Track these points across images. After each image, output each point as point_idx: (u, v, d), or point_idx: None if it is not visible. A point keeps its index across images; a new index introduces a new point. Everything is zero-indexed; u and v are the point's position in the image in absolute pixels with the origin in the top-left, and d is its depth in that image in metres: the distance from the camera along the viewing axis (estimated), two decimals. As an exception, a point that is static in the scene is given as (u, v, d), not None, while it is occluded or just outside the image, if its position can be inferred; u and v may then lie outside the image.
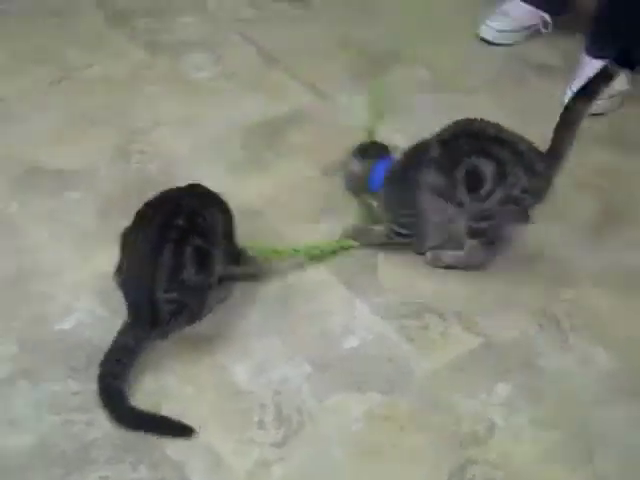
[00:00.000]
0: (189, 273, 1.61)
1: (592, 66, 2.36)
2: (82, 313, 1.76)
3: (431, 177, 1.80)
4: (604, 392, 1.65)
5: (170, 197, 1.72)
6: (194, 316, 1.69)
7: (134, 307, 1.64)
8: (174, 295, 1.61)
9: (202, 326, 1.73)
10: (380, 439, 1.57)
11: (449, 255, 1.90)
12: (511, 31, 2.67)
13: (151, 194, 1.95)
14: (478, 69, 2.56)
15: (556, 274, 1.90)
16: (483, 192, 1.78)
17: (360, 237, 1.94)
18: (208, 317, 1.75)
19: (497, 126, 1.81)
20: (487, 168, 1.76)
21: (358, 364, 1.69)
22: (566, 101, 1.81)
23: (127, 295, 1.65)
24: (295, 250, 1.87)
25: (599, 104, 2.32)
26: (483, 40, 2.68)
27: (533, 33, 2.69)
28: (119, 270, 1.66)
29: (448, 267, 1.90)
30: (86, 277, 1.83)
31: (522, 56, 2.63)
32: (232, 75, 2.51)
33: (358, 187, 1.94)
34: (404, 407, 1.62)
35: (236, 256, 1.79)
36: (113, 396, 1.58)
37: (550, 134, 1.81)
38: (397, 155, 1.90)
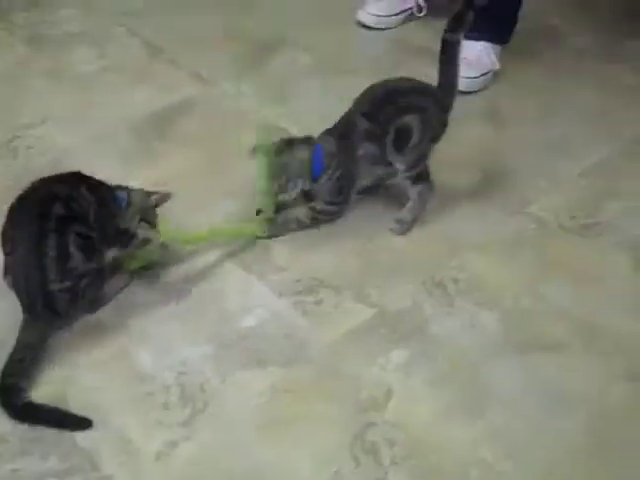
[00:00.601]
0: (77, 260, 1.63)
1: (467, 47, 2.49)
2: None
3: (369, 149, 1.92)
4: (491, 350, 1.75)
5: (40, 186, 1.69)
6: (92, 302, 1.71)
7: (28, 303, 1.64)
8: (67, 284, 1.63)
9: (102, 314, 1.76)
10: (284, 411, 1.63)
11: (407, 213, 2.01)
12: (387, 15, 2.77)
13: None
14: (359, 53, 2.65)
15: (442, 244, 2.00)
16: (412, 144, 1.91)
17: (279, 230, 1.99)
18: (108, 306, 1.78)
19: (407, 79, 1.96)
20: (413, 122, 1.90)
21: (257, 341, 1.74)
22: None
23: (19, 293, 1.65)
24: (201, 236, 1.91)
25: (474, 82, 2.44)
26: (362, 25, 2.77)
27: (409, 17, 2.80)
28: (6, 270, 1.66)
29: (413, 223, 2.01)
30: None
31: (401, 39, 2.73)
32: (118, 68, 2.52)
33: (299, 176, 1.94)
34: (305, 379, 1.68)
35: (126, 237, 1.79)
36: (8, 394, 1.58)
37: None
38: (325, 138, 1.95)
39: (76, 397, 1.61)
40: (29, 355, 1.62)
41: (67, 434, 1.55)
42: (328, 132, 1.97)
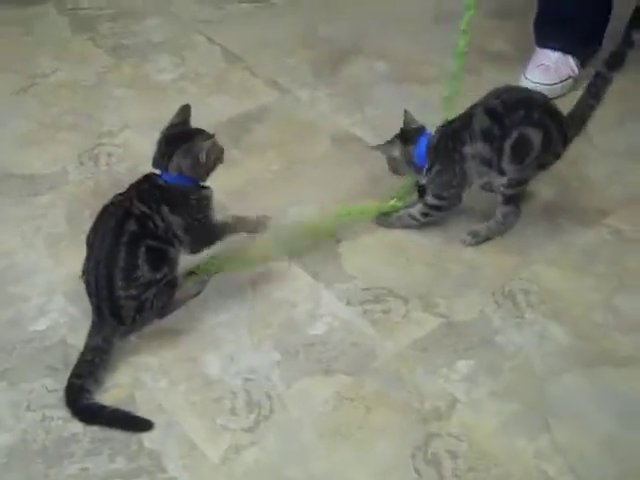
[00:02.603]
0: (143, 271, 1.68)
1: (542, 54, 2.45)
2: (56, 314, 1.83)
3: (479, 147, 1.88)
4: (559, 364, 1.73)
5: (122, 200, 1.73)
6: (161, 310, 1.77)
7: (97, 307, 1.71)
8: (132, 292, 1.69)
9: (172, 320, 1.81)
10: (347, 420, 1.63)
11: (485, 229, 1.99)
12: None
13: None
14: (435, 61, 2.63)
15: (512, 256, 1.97)
16: (528, 160, 1.87)
17: (394, 223, 2.03)
18: (178, 311, 1.82)
19: (543, 95, 1.93)
20: (536, 137, 1.85)
21: (324, 349, 1.76)
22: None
23: (90, 296, 1.72)
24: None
25: (552, 88, 2.40)
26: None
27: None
28: (84, 271, 1.72)
29: (486, 240, 2.00)
30: (58, 279, 1.89)
31: (478, 46, 2.70)
32: (197, 76, 2.57)
33: (400, 169, 2.01)
34: (369, 388, 1.69)
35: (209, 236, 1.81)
36: (73, 393, 1.64)
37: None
38: (435, 132, 1.97)
39: (144, 400, 1.66)
40: (97, 357, 1.67)
41: (135, 436, 1.60)
42: (443, 124, 1.96)
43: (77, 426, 1.61)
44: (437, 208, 1.98)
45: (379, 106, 2.44)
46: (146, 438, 1.60)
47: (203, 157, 1.76)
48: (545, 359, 1.74)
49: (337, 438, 1.60)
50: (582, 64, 2.51)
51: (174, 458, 1.57)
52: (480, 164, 1.89)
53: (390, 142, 1.99)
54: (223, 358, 1.74)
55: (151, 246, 1.70)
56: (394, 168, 2.01)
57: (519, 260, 1.96)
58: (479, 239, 1.99)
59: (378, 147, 2.01)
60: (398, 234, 2.02)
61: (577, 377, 1.70)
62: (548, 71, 2.42)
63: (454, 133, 1.91)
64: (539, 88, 2.26)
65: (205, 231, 1.79)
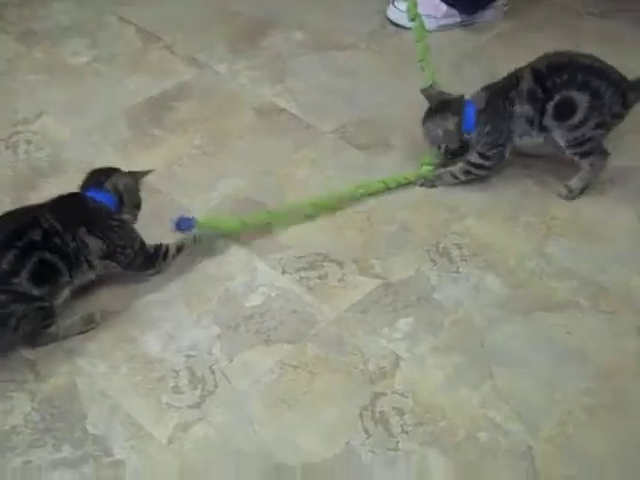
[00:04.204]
0: (21, 278, 1.58)
1: None
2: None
3: (524, 108, 1.92)
4: (497, 314, 1.75)
5: (34, 210, 1.67)
6: (29, 337, 1.67)
7: None
8: (2, 297, 1.58)
9: (106, 302, 1.77)
10: (292, 387, 1.63)
11: (578, 181, 2.00)
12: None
13: (43, 182, 1.97)
14: (353, 28, 2.62)
15: (443, 212, 1.99)
16: (574, 121, 1.90)
17: (435, 181, 2.05)
18: (113, 292, 1.79)
19: (590, 56, 1.93)
20: (581, 101, 1.88)
21: (263, 320, 1.75)
22: None
23: None
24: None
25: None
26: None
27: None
28: None
29: (583, 190, 2.01)
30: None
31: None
32: (112, 57, 2.51)
33: (453, 140, 2.02)
34: (312, 354, 1.68)
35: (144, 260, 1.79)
36: None
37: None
38: (478, 94, 1.99)
39: (85, 385, 1.63)
40: None
41: (79, 422, 1.57)
42: (486, 87, 1.99)
43: (17, 418, 1.57)
44: (481, 167, 2.01)
45: (299, 76, 2.43)
46: (90, 424, 1.57)
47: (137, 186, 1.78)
48: (483, 310, 1.76)
49: (283, 406, 1.60)
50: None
51: (120, 441, 1.54)
52: (524, 123, 1.94)
53: (442, 116, 2.00)
54: (162, 336, 1.72)
55: (45, 260, 1.61)
56: (442, 139, 2.02)
57: (450, 216, 1.98)
58: (575, 193, 2.01)
59: (430, 122, 2.01)
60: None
61: (515, 325, 1.73)
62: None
63: (503, 93, 1.95)
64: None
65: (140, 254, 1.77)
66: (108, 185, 1.75)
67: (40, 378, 1.64)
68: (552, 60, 1.93)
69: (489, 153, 1.99)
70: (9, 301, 1.59)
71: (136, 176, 1.80)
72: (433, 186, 2.05)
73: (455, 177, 2.04)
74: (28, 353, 1.68)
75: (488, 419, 1.56)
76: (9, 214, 1.67)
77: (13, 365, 1.66)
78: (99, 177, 1.77)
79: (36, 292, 1.61)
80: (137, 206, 1.80)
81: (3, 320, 1.60)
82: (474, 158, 2.00)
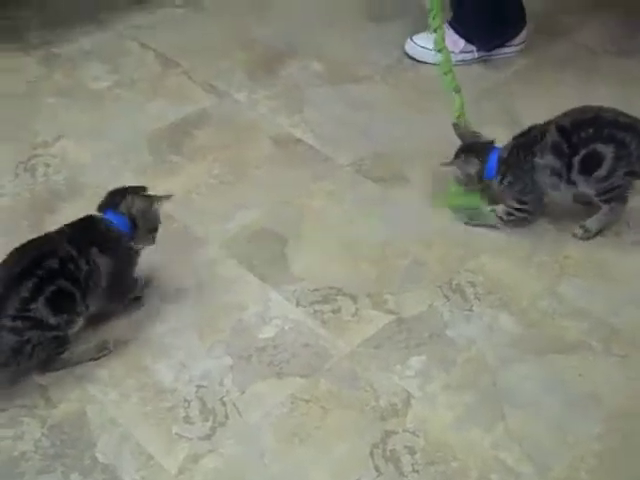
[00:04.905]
0: (39, 305, 1.59)
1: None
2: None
3: (547, 159, 1.92)
4: (510, 354, 1.75)
5: (50, 238, 1.69)
6: (42, 364, 1.68)
7: None
8: (17, 324, 1.59)
9: (118, 330, 1.78)
10: (304, 421, 1.63)
11: (595, 222, 2.01)
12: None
13: (61, 206, 1.98)
14: (371, 60, 2.64)
15: (458, 248, 1.99)
16: (601, 173, 1.90)
17: (474, 219, 2.06)
18: (126, 320, 1.80)
19: (614, 110, 1.93)
20: (607, 153, 1.89)
21: (276, 352, 1.75)
22: None
23: None
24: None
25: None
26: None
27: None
28: None
29: (598, 232, 2.01)
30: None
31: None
32: (132, 82, 2.53)
33: (473, 182, 2.03)
34: (324, 388, 1.68)
35: (125, 290, 1.80)
36: None
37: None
38: (507, 144, 2.00)
39: (95, 413, 1.63)
40: None
41: (88, 450, 1.57)
42: (515, 136, 2.00)
43: (27, 444, 1.57)
44: (520, 210, 2.01)
45: (316, 107, 2.44)
46: (99, 452, 1.57)
47: (157, 207, 1.78)
48: (496, 349, 1.75)
49: (295, 440, 1.60)
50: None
51: (130, 471, 1.54)
52: (550, 175, 1.94)
53: (465, 160, 2.00)
54: (174, 366, 1.72)
55: (63, 288, 1.62)
56: (462, 181, 2.04)
57: (464, 252, 1.98)
58: (591, 234, 2.01)
59: (453, 164, 2.02)
60: (342, 233, 2.03)
61: (528, 365, 1.72)
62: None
63: (527, 146, 1.96)
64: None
65: (125, 283, 1.78)
66: (122, 208, 1.76)
67: (51, 404, 1.64)
68: (577, 116, 1.93)
69: (525, 199, 1.99)
70: (26, 328, 1.59)
71: (152, 200, 1.79)
72: (476, 224, 2.05)
73: (500, 218, 2.03)
74: (40, 378, 1.69)
75: (499, 461, 1.55)
76: (30, 242, 1.68)
77: (25, 390, 1.67)
78: (115, 199, 1.78)
79: (53, 321, 1.62)
80: (152, 230, 1.80)
81: (19, 347, 1.60)
82: (513, 203, 2.01)
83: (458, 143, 2.03)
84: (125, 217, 1.76)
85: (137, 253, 1.79)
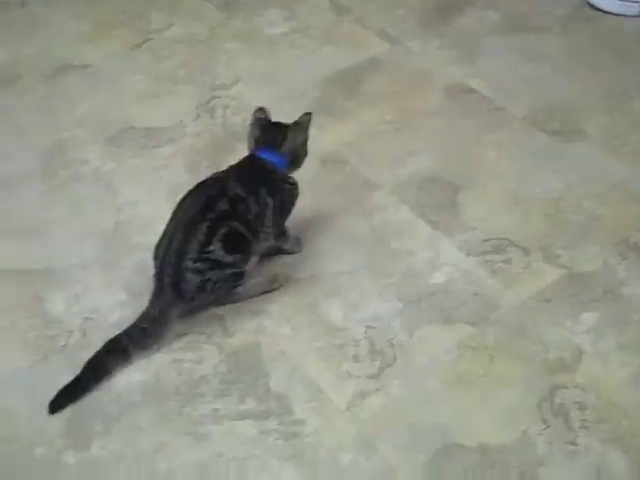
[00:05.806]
0: (216, 247, 1.66)
1: None
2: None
3: None
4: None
5: (220, 178, 1.75)
6: (219, 299, 1.75)
7: (159, 272, 1.69)
8: (198, 265, 1.66)
9: (290, 269, 1.83)
10: (471, 368, 1.64)
11: None
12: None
13: (238, 146, 2.05)
14: (546, 10, 2.56)
15: (636, 206, 1.93)
16: None
17: None
18: (300, 260, 1.85)
19: None
20: None
21: (445, 298, 1.76)
22: None
23: (156, 258, 1.70)
24: None
25: None
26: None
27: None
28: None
29: None
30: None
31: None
32: (306, 28, 2.57)
33: None
34: (492, 338, 1.68)
35: (282, 234, 1.83)
36: (111, 347, 1.64)
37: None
38: None
39: (268, 345, 1.69)
40: (150, 329, 1.67)
41: (262, 378, 1.63)
42: None
43: (206, 368, 1.66)
44: None
45: (491, 57, 2.40)
46: (272, 382, 1.63)
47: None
48: (674, 311, 1.70)
49: (461, 386, 1.61)
50: None
51: (301, 402, 1.60)
52: None
53: None
54: (345, 306, 1.76)
55: (234, 229, 1.68)
56: None
57: (642, 212, 1.92)
58: None
59: None
60: (514, 184, 2.00)
61: None
62: None
63: None
64: None
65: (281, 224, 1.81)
66: (285, 148, 1.78)
67: (228, 333, 1.72)
68: None
69: None
70: (206, 269, 1.67)
71: (306, 129, 1.81)
72: None
73: None
74: (217, 309, 1.77)
75: (674, 423, 1.52)
76: (201, 184, 1.74)
77: (203, 319, 1.75)
78: (276, 138, 1.79)
79: (229, 259, 1.69)
80: (303, 157, 1.83)
81: (202, 285, 1.68)
82: None
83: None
84: (285, 156, 1.79)
85: (296, 191, 1.82)
